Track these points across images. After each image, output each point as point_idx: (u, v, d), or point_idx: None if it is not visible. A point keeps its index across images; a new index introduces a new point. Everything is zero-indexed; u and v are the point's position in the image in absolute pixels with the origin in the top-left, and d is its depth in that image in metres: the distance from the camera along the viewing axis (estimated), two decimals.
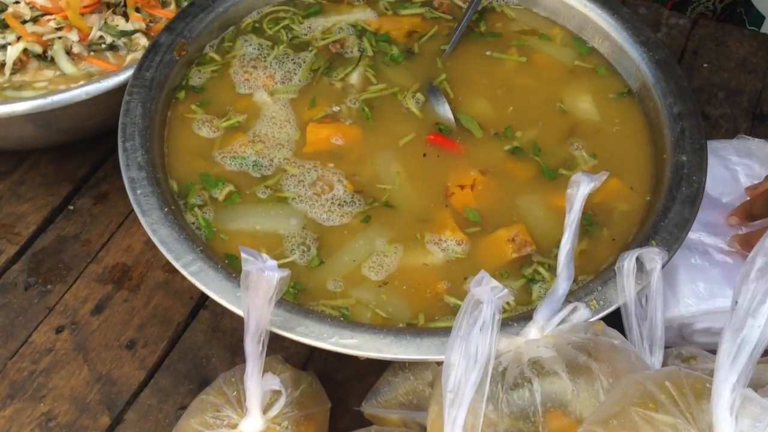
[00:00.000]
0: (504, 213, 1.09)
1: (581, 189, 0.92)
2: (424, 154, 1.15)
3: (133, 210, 1.32)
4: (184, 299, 1.22)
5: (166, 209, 1.01)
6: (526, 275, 1.02)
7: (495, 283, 0.84)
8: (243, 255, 0.84)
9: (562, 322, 0.90)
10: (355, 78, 1.25)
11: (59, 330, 1.18)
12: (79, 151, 1.41)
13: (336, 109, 1.19)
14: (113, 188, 1.36)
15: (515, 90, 1.25)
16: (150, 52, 1.20)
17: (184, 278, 0.97)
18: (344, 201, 1.09)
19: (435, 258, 1.04)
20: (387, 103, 1.22)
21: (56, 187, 1.36)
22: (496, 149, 1.16)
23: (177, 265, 0.96)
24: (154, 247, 1.28)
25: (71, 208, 1.34)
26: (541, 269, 1.02)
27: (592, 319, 0.92)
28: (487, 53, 1.29)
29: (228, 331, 1.19)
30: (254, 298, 0.85)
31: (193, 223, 1.05)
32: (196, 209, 1.07)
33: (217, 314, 1.20)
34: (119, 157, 1.07)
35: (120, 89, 1.20)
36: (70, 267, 1.25)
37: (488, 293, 0.83)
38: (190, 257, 0.97)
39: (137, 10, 1.31)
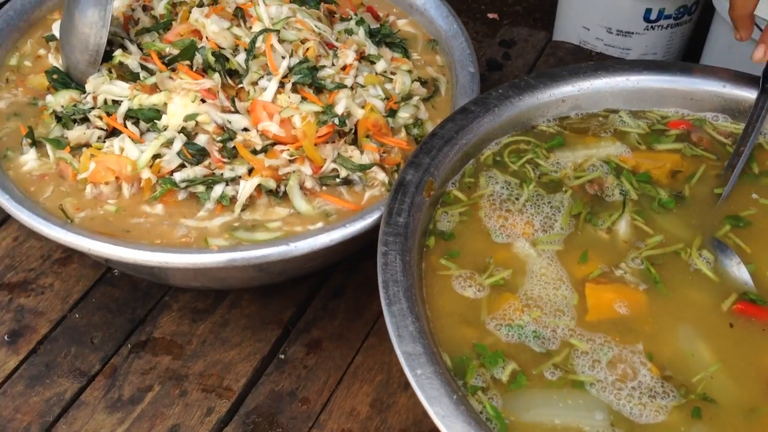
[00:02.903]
0: None
1: None
2: (731, 325, 0.97)
3: (351, 362, 1.18)
4: None
5: (455, 396, 0.84)
6: None
7: None
8: None
9: None
10: (623, 227, 1.08)
11: None
12: (281, 289, 1.26)
13: (619, 273, 1.02)
14: (325, 335, 1.20)
15: None
16: (398, 192, 1.05)
17: None
18: (654, 391, 0.90)
19: None
20: (670, 261, 1.04)
21: (263, 331, 1.20)
22: None
23: None
24: (381, 411, 1.12)
25: (282, 357, 1.18)
26: None
27: None
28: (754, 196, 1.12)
29: None
30: None
31: (481, 413, 0.88)
32: (479, 393, 0.89)
33: None
34: (387, 324, 0.91)
35: (363, 234, 1.06)
36: None
37: None
38: None
39: (367, 137, 1.17)
